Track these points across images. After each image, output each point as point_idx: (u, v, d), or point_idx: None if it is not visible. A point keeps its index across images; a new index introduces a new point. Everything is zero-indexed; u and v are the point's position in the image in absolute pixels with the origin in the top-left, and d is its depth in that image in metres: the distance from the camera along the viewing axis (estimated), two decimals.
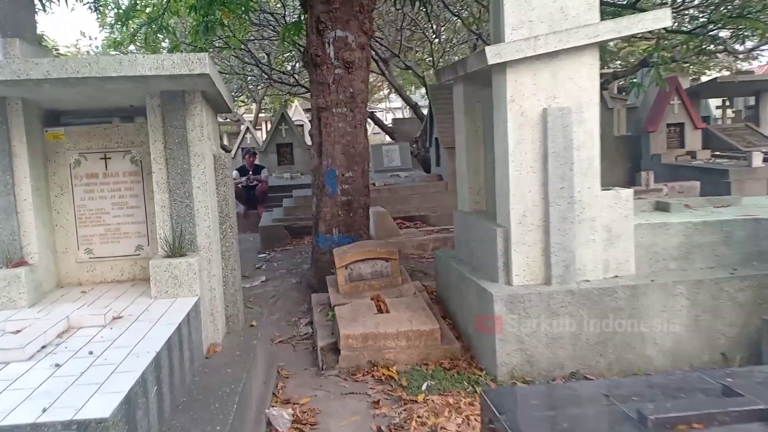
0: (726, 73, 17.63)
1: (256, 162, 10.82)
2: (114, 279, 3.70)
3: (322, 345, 4.23)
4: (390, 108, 34.03)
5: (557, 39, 3.59)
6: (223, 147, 18.90)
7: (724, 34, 11.01)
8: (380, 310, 4.48)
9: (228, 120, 21.03)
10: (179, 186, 3.36)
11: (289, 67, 15.27)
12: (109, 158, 3.64)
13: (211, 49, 11.29)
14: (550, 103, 3.70)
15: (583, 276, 3.81)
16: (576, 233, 3.74)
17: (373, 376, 3.92)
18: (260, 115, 22.76)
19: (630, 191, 3.88)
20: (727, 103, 13.72)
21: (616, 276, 3.89)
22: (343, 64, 5.60)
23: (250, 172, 10.58)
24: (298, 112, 26.91)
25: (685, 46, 9.91)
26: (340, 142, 5.70)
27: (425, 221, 8.68)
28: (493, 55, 3.57)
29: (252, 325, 3.83)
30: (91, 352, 2.45)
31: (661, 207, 4.42)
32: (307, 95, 17.29)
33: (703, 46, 10.30)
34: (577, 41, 3.60)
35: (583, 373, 3.70)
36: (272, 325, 5.14)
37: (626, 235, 3.87)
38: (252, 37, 12.11)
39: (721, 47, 10.61)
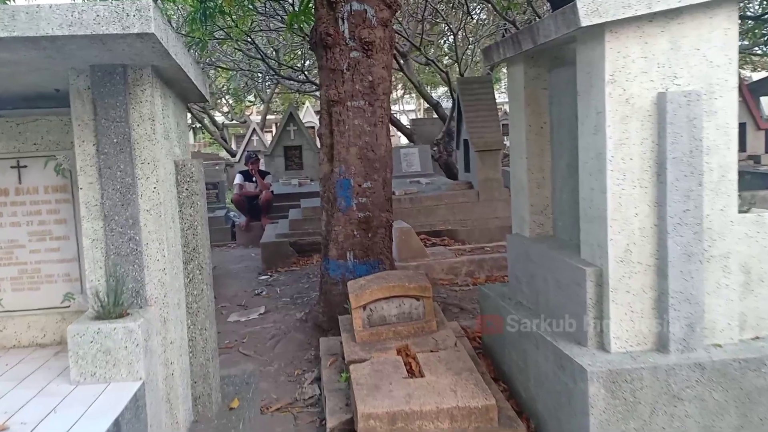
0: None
1: (261, 168, 9.72)
2: (32, 342, 2.59)
3: (333, 425, 3.10)
4: (404, 110, 32.92)
5: None
6: (228, 150, 17.91)
7: None
8: (411, 372, 3.35)
9: (234, 121, 20.02)
10: (119, 209, 2.26)
11: (299, 64, 14.18)
12: (25, 167, 2.55)
13: (212, 41, 10.24)
14: (668, 85, 2.55)
15: (712, 338, 2.65)
16: (704, 276, 2.58)
17: None
18: (269, 117, 21.72)
19: None
20: None
21: (757, 337, 2.72)
22: (361, 45, 4.48)
23: (253, 178, 9.49)
24: (309, 113, 25.85)
25: (751, 34, 8.71)
26: (356, 144, 4.58)
27: (454, 237, 7.53)
28: (589, 12, 2.42)
29: (232, 408, 2.71)
30: None
31: None
32: (319, 93, 16.26)
33: None
34: None
35: None
36: (268, 379, 4.03)
37: None
38: (258, 28, 11.04)
39: None
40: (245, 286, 6.66)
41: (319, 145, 4.97)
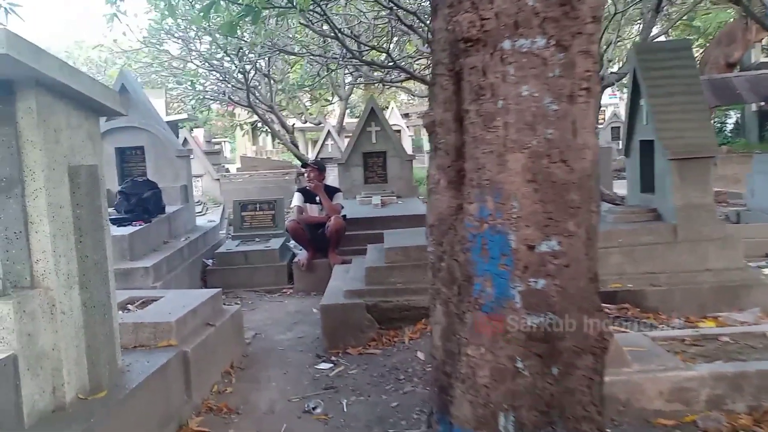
0: None
1: (327, 182, 7.19)
2: None
3: None
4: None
5: None
6: (299, 157, 15.65)
7: None
8: None
9: (307, 123, 17.81)
10: None
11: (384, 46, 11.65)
12: None
13: (269, 11, 7.89)
14: None
15: None
16: None
17: None
18: (348, 120, 19.38)
19: None
20: None
21: None
22: None
23: (317, 198, 6.98)
24: (395, 116, 23.39)
25: None
26: (523, 145, 1.90)
27: (639, 303, 4.65)
28: None
29: None
30: None
31: None
32: (409, 85, 13.60)
33: None
34: None
35: None
36: None
37: None
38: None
39: None
40: (292, 385, 4.10)
41: (430, 148, 2.34)
